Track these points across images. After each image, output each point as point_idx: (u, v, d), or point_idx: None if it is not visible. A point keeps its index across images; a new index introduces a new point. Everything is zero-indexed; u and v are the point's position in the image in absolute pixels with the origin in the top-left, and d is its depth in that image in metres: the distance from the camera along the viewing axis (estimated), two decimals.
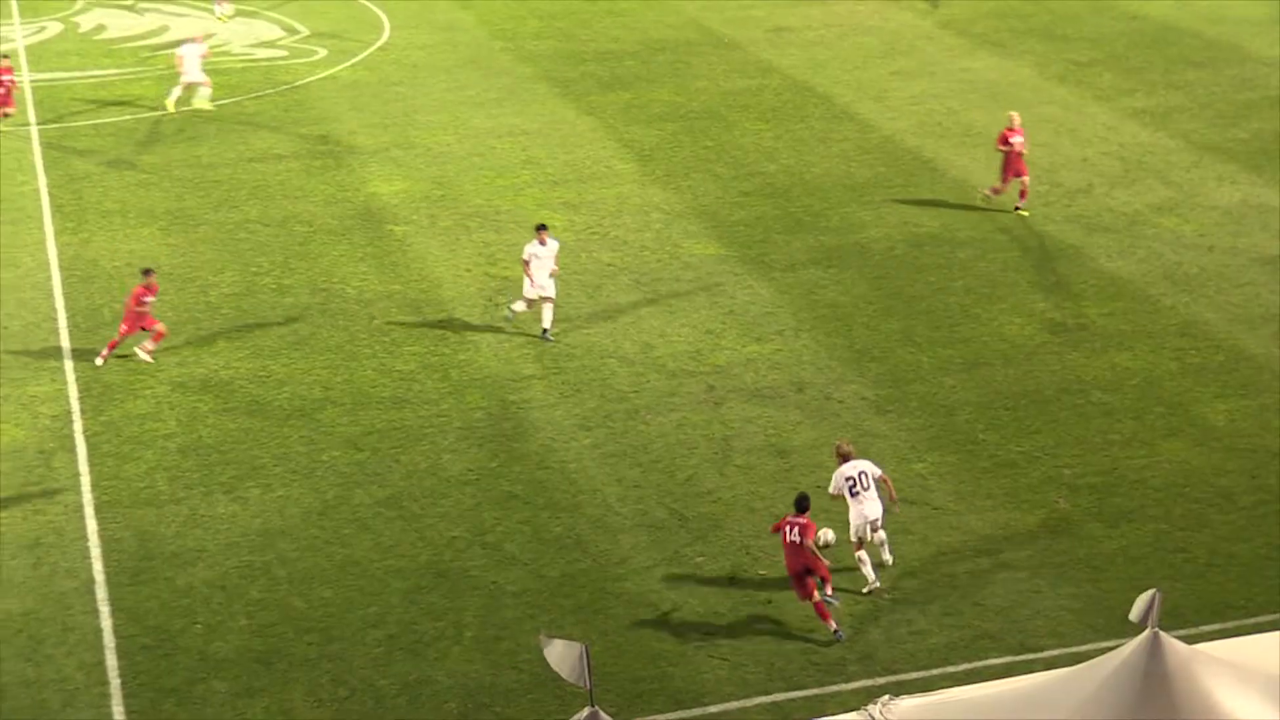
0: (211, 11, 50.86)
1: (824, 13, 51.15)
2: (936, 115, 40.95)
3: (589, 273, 31.59)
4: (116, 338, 27.92)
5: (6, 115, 39.84)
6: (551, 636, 15.84)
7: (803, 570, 20.22)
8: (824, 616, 20.32)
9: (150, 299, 27.95)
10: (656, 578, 21.77)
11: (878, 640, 20.31)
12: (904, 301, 30.25)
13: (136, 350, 27.93)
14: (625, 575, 21.87)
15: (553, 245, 28.77)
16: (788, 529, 20.28)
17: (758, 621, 20.78)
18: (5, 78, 39.78)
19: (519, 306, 28.86)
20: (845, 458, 21.50)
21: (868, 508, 21.17)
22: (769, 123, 40.60)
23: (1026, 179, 34.04)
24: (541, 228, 28.96)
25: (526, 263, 28.50)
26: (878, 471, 21.48)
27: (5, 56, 41.37)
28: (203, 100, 41.89)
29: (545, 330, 28.72)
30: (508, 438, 25.51)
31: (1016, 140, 33.71)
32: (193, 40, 42.65)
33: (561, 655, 14.77)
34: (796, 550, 20.15)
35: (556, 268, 28.80)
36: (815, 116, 41.10)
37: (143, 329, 27.96)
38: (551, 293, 28.70)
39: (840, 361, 27.90)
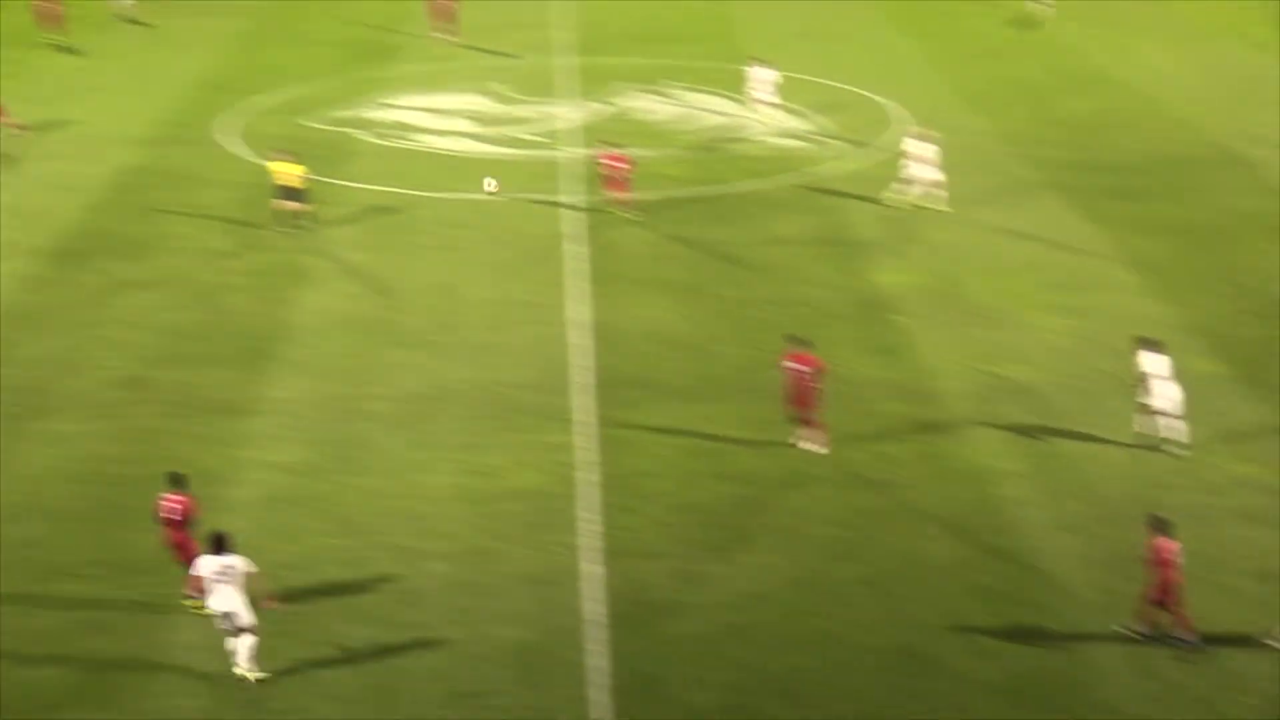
0: (735, 99, 53.06)
1: None
2: None
3: (1084, 379, 31.77)
4: (803, 414, 28.81)
5: (622, 202, 41.79)
6: None
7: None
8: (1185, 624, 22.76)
9: (805, 369, 28.52)
10: (1131, 690, 21.84)
11: None
12: None
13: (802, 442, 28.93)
14: (1096, 682, 22.04)
15: (1155, 358, 28.60)
16: (1169, 553, 22.42)
17: None
18: (620, 164, 41.86)
19: (1166, 426, 28.54)
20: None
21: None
22: (1278, 244, 39.65)
23: None
24: (1144, 340, 29.13)
25: (1145, 376, 28.57)
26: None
27: (618, 146, 42.95)
28: (932, 200, 42.09)
29: (1171, 441, 28.52)
30: (989, 531, 26.02)
31: None
32: (924, 138, 42.67)
33: None
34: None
35: (1176, 386, 28.45)
36: None
37: (801, 407, 28.72)
38: (1166, 405, 28.43)
39: None
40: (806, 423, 28.69)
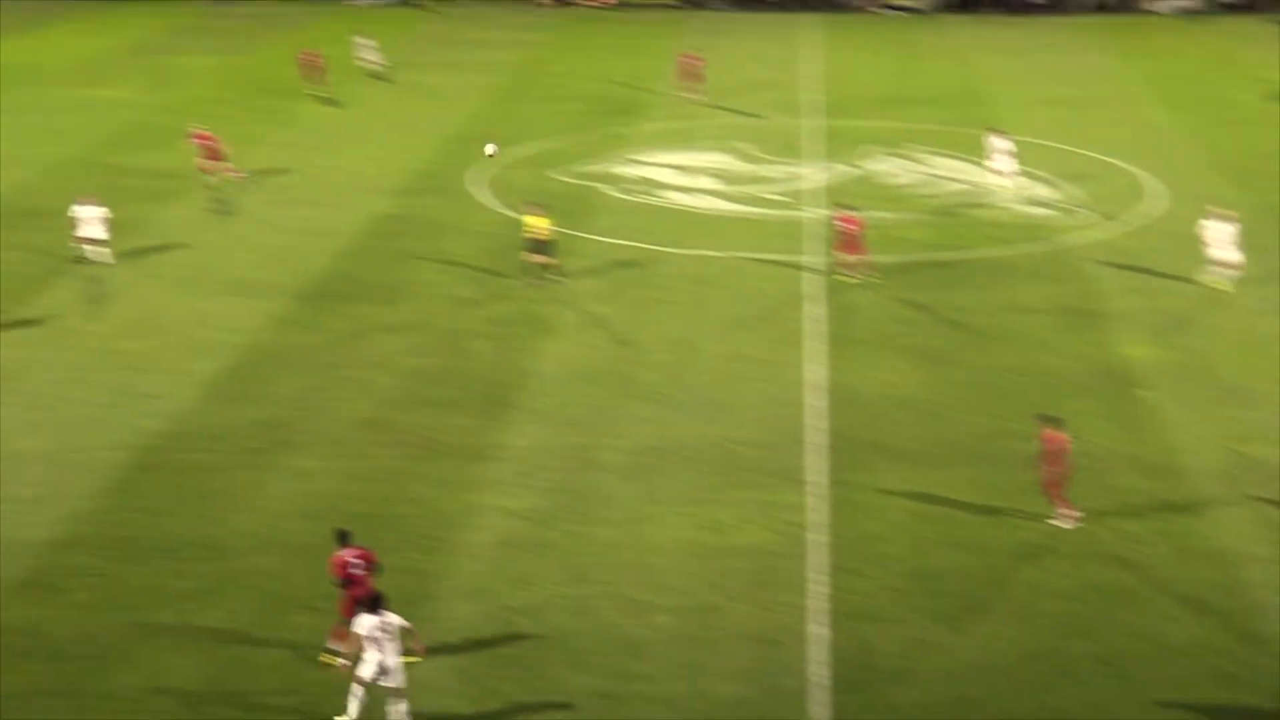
0: (981, 165, 52.35)
1: None
2: None
3: None
4: (1054, 492, 28.13)
5: (855, 263, 41.38)
6: None
7: None
8: None
9: (1057, 448, 27.85)
10: None
11: None
12: None
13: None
14: None
15: None
16: None
17: None
18: (852, 225, 41.70)
19: None
20: None
21: None
22: None
23: None
24: None
25: None
26: None
27: (852, 207, 42.84)
28: (1219, 280, 40.70)
29: None
30: (1232, 614, 25.06)
31: None
32: (1223, 218, 41.17)
33: None
34: None
35: None
36: None
37: (1053, 485, 28.02)
38: None
39: None
40: (1057, 500, 28.06)
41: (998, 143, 51.60)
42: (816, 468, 30.41)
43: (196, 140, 51.12)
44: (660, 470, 30.43)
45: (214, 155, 50.47)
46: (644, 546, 27.46)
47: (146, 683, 23.40)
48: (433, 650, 23.72)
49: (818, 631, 24.69)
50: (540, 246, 41.10)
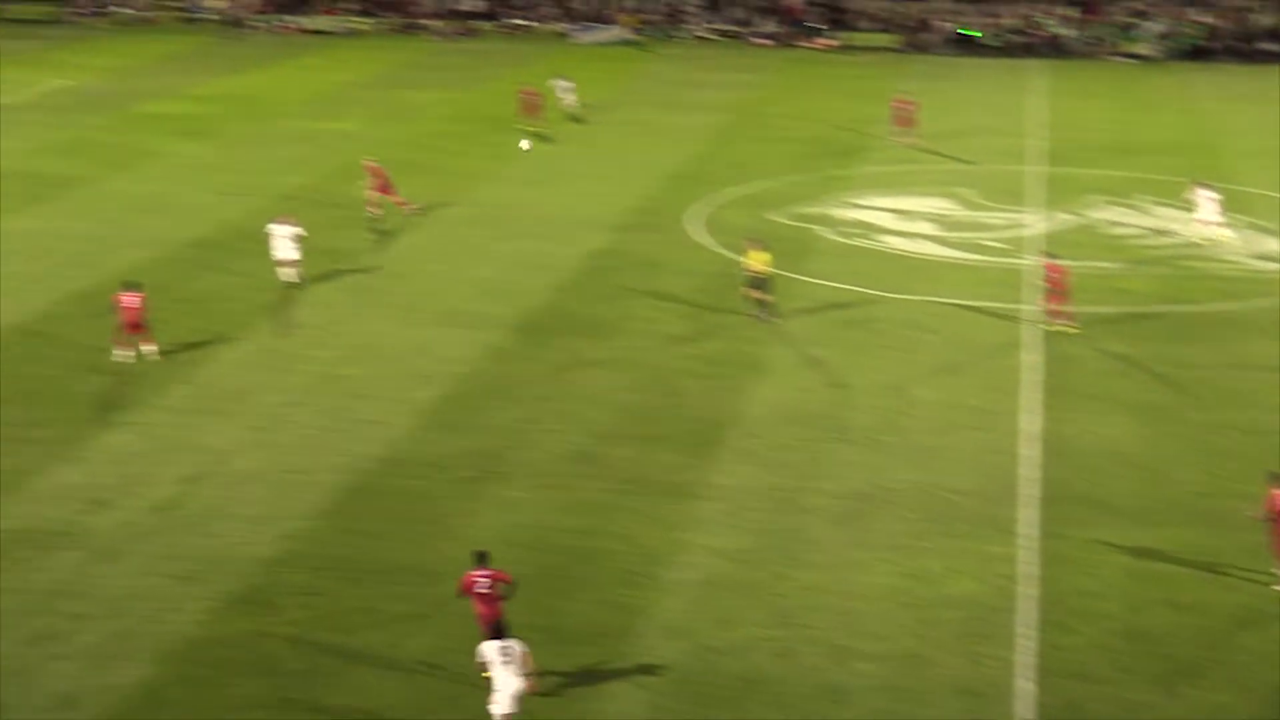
0: (1185, 208, 50.86)
1: None
2: None
3: None
4: None
5: (1059, 312, 40.83)
6: None
7: None
8: None
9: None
10: None
11: None
12: None
13: None
14: None
15: None
16: None
17: None
18: (1055, 274, 41.13)
19: None
20: None
21: None
22: None
23: None
24: None
25: None
26: None
27: (1056, 256, 42.48)
28: None
29: None
30: None
31: None
32: None
33: None
34: None
35: None
36: None
37: None
38: None
39: None
40: None
41: (1203, 194, 50.24)
42: (1029, 519, 29.84)
43: (368, 172, 51.99)
44: (869, 516, 30.13)
45: (383, 188, 51.41)
46: (850, 592, 27.20)
47: (355, 702, 23.82)
48: (632, 685, 23.77)
49: (1025, 687, 24.19)
50: (759, 282, 41.24)
